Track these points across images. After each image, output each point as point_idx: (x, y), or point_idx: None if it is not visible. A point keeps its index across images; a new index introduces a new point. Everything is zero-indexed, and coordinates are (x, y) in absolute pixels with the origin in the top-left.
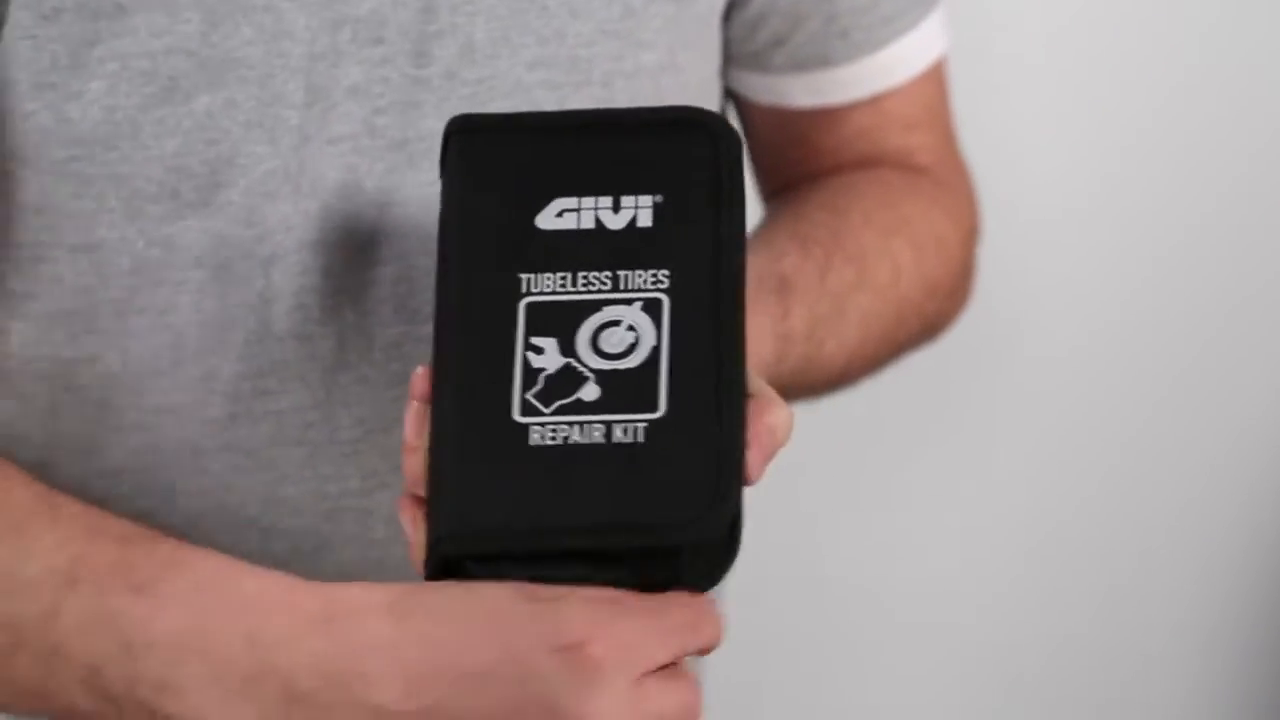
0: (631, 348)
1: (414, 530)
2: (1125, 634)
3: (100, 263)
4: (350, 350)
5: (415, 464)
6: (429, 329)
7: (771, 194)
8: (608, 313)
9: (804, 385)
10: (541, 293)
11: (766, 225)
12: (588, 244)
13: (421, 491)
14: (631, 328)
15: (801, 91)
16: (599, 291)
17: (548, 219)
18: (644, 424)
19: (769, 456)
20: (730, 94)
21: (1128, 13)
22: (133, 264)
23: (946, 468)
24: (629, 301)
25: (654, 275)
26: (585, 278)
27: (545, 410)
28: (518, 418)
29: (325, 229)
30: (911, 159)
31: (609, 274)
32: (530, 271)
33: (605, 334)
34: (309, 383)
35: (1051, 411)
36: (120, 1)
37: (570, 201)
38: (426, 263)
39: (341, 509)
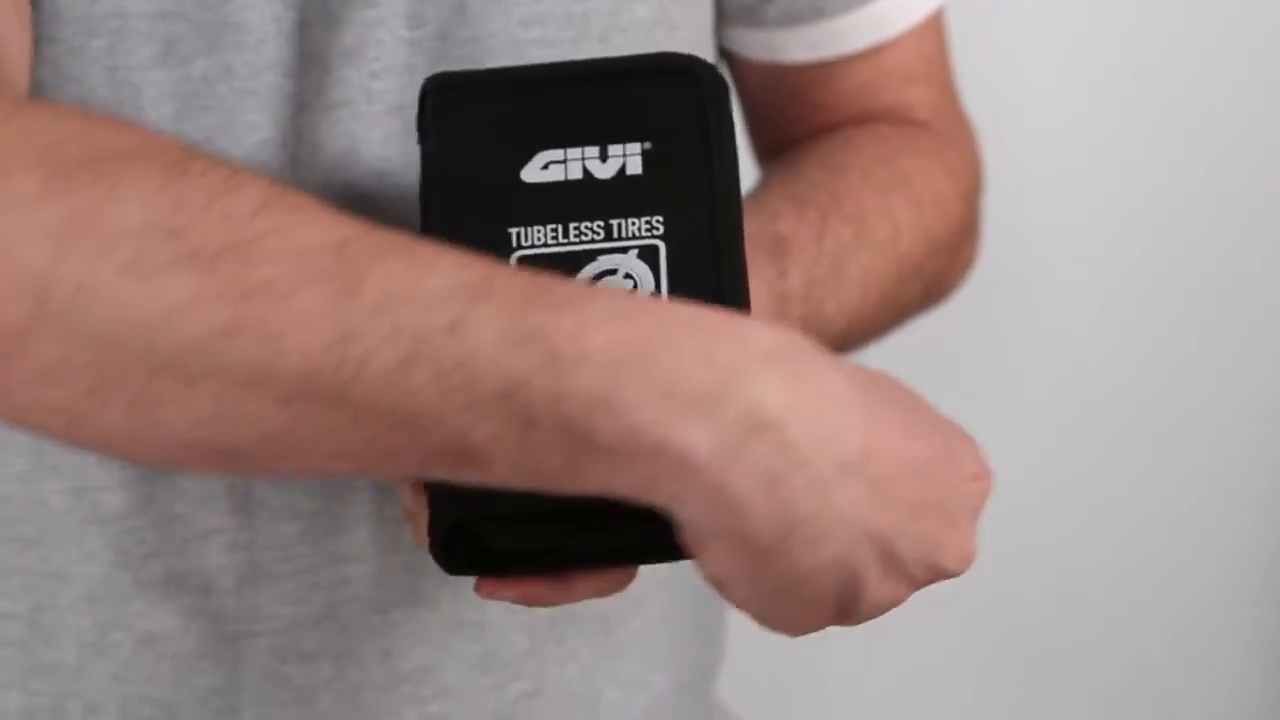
0: None
1: (414, 501)
2: (1131, 620)
3: None
4: None
5: None
6: None
7: (767, 154)
8: (603, 262)
9: None
10: (533, 246)
11: (761, 186)
12: (577, 195)
13: None
14: (629, 275)
15: (796, 46)
16: (592, 241)
17: (533, 172)
18: None
19: None
20: (724, 54)
21: None
22: None
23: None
24: (624, 249)
25: (648, 222)
26: (577, 228)
27: None
28: None
29: (324, 198)
30: (910, 113)
31: (601, 223)
32: (520, 225)
33: (602, 284)
34: None
35: (1058, 384)
36: None
37: (556, 153)
38: None
39: (352, 487)
